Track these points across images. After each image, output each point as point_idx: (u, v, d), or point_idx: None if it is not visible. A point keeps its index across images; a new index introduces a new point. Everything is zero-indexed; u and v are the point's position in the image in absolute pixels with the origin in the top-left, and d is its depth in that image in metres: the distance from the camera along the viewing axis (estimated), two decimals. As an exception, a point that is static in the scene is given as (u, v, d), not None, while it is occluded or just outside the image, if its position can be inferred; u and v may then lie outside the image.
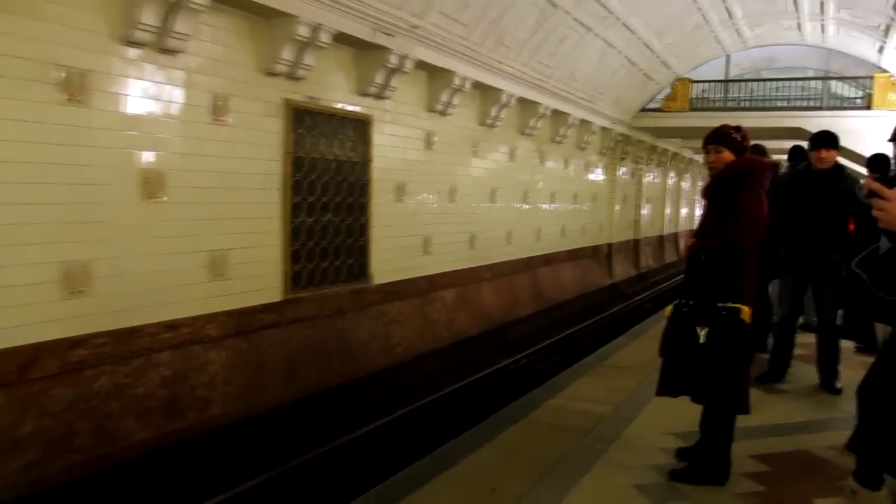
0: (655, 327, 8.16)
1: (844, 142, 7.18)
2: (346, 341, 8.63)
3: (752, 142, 4.28)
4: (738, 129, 3.92)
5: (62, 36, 5.43)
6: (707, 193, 3.95)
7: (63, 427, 5.53)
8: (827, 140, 5.53)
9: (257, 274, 7.42)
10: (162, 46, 6.14)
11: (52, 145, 5.41)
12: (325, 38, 7.46)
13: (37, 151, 5.31)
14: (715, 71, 19.05)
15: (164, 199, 6.35)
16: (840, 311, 5.72)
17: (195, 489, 5.76)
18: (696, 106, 18.41)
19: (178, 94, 6.45)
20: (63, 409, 5.55)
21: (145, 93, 6.14)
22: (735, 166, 3.84)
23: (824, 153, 5.50)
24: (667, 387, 3.98)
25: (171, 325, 6.46)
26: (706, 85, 18.75)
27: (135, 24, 5.81)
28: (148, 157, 6.20)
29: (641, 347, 7.49)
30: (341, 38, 7.93)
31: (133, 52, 6.01)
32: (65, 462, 5.48)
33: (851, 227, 5.48)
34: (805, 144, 6.24)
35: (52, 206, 5.45)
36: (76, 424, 5.62)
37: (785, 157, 8.63)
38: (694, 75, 18.60)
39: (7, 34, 5.05)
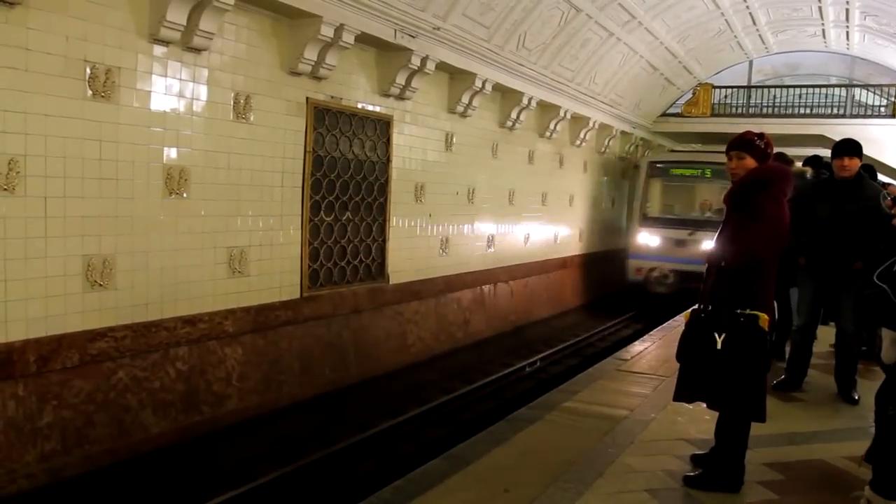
0: (672, 332, 8.14)
1: (867, 150, 7.12)
2: (361, 340, 8.67)
3: (775, 149, 4.26)
4: (761, 136, 3.91)
5: (90, 32, 5.50)
6: (728, 200, 3.94)
7: (81, 419, 5.60)
8: (850, 148, 5.49)
9: (275, 271, 7.47)
10: (187, 44, 6.21)
11: (78, 140, 5.48)
12: (348, 38, 7.50)
13: (63, 146, 5.38)
14: (737, 77, 18.89)
15: (186, 195, 6.41)
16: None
17: (209, 483, 5.81)
18: (717, 112, 18.28)
19: (202, 92, 6.51)
20: (82, 401, 5.62)
21: (170, 90, 6.21)
22: (757, 173, 3.82)
23: (847, 161, 5.46)
24: (683, 393, 3.98)
25: (189, 320, 6.52)
26: (728, 90, 18.61)
27: (161, 21, 5.87)
28: (171, 153, 6.26)
29: (658, 352, 7.47)
30: (364, 39, 7.97)
31: (159, 50, 6.08)
32: (82, 453, 5.55)
33: None
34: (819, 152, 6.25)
35: (76, 200, 5.52)
36: (94, 416, 5.69)
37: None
38: (715, 80, 18.46)
39: (36, 30, 5.13)
